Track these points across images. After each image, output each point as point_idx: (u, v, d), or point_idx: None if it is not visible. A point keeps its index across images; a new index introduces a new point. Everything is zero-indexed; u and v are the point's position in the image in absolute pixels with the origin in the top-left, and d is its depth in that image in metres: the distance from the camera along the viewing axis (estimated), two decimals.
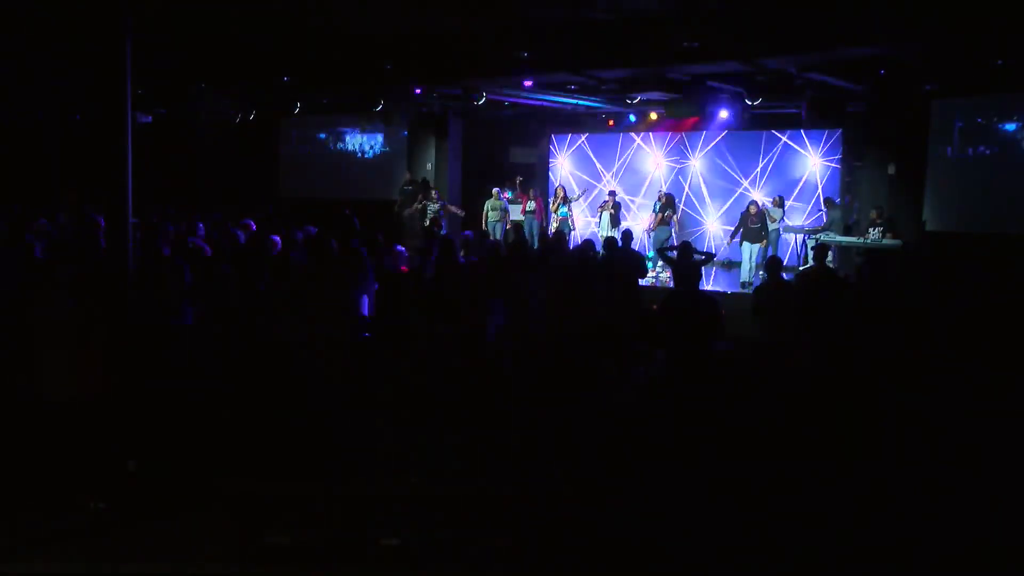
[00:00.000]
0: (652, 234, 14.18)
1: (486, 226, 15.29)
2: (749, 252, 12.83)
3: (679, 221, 14.73)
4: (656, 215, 14.08)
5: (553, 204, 15.14)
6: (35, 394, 5.52)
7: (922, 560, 4.67)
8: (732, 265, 14.88)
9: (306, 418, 6.11)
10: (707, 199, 15.77)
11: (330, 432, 6.04)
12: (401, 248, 8.72)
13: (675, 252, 9.07)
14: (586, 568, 4.69)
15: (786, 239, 14.05)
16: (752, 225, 12.82)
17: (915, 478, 5.49)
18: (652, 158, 16.31)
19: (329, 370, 6.58)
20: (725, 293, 11.66)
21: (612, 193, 14.84)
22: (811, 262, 12.93)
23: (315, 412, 6.20)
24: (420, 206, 15.27)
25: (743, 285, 12.53)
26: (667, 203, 14.08)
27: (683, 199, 15.69)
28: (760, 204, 13.15)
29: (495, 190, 15.51)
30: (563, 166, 17.15)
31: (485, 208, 15.45)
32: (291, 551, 4.80)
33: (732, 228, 14.03)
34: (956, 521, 5.00)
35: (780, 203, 13.54)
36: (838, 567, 4.68)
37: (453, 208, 15.63)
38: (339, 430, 6.09)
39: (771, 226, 13.36)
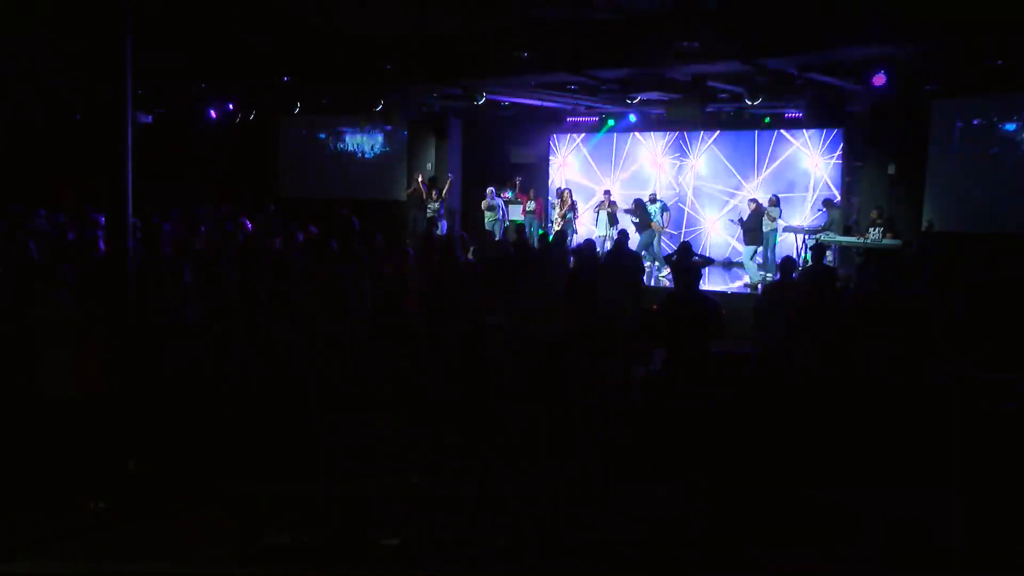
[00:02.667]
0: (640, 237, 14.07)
1: (487, 227, 15.32)
2: (749, 253, 12.77)
3: (668, 222, 14.61)
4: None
5: (560, 209, 15.04)
6: (36, 393, 5.53)
7: (923, 560, 4.67)
8: (731, 265, 14.89)
9: (306, 418, 6.11)
10: (705, 199, 15.76)
11: (330, 432, 6.04)
12: (410, 250, 8.71)
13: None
14: (586, 568, 4.69)
15: (786, 239, 14.05)
16: (749, 226, 12.76)
17: (915, 477, 5.49)
18: (651, 158, 16.30)
19: (329, 370, 6.58)
20: (725, 293, 11.66)
21: (607, 192, 14.81)
22: (809, 261, 13.01)
23: (315, 412, 6.20)
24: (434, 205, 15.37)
25: (750, 287, 12.46)
26: (636, 209, 14.03)
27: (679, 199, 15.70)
28: (758, 203, 13.09)
29: (489, 190, 15.54)
30: (565, 166, 17.14)
31: (484, 208, 15.50)
32: (291, 551, 4.80)
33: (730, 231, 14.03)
34: (956, 521, 4.99)
35: (776, 202, 13.54)
36: (839, 566, 4.68)
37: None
38: (339, 430, 6.09)
39: (769, 226, 13.34)
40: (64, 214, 11.94)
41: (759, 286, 12.08)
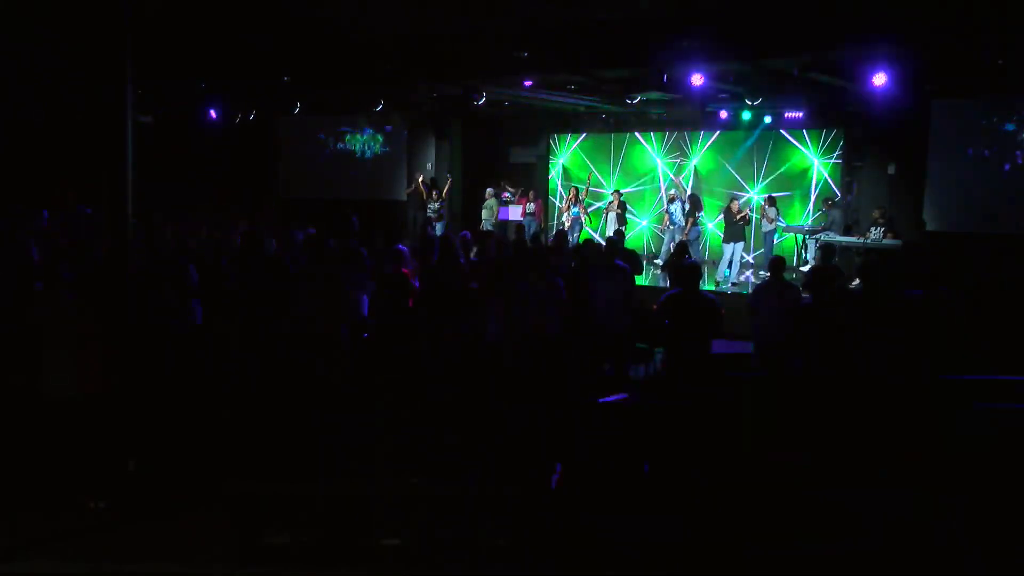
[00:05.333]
0: (688, 236, 13.94)
1: (482, 226, 15.34)
2: (732, 251, 12.67)
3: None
4: (688, 218, 13.98)
5: (564, 204, 15.12)
6: (36, 393, 5.53)
7: (923, 560, 4.67)
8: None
9: (306, 418, 6.11)
10: (705, 200, 15.76)
11: (330, 432, 6.04)
12: (404, 248, 8.70)
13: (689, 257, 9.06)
14: (586, 568, 4.69)
15: (785, 239, 14.06)
16: (734, 223, 12.74)
17: (915, 477, 5.49)
18: (651, 158, 16.31)
19: (329, 370, 6.58)
20: (725, 293, 11.65)
21: (617, 192, 14.81)
22: (809, 261, 13.02)
23: (315, 412, 6.20)
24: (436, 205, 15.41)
25: (717, 283, 12.38)
26: (693, 204, 14.03)
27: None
28: (741, 201, 13.02)
29: (488, 191, 15.59)
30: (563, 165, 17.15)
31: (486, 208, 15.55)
32: (291, 551, 4.80)
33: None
34: (956, 521, 4.99)
35: (773, 202, 13.54)
36: (839, 566, 4.68)
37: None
38: (339, 430, 6.09)
39: (768, 226, 13.33)
40: (63, 214, 11.95)
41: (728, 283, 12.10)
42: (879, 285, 7.57)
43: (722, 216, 13.24)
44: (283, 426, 6.01)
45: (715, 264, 15.03)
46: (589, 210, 15.58)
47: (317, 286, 7.00)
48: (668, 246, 14.20)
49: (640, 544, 4.86)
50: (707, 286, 12.19)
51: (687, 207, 13.90)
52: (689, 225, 13.76)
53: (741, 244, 12.72)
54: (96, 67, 6.10)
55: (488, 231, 14.60)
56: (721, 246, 13.15)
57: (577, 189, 15.22)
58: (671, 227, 14.19)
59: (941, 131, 12.81)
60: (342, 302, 7.08)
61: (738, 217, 12.67)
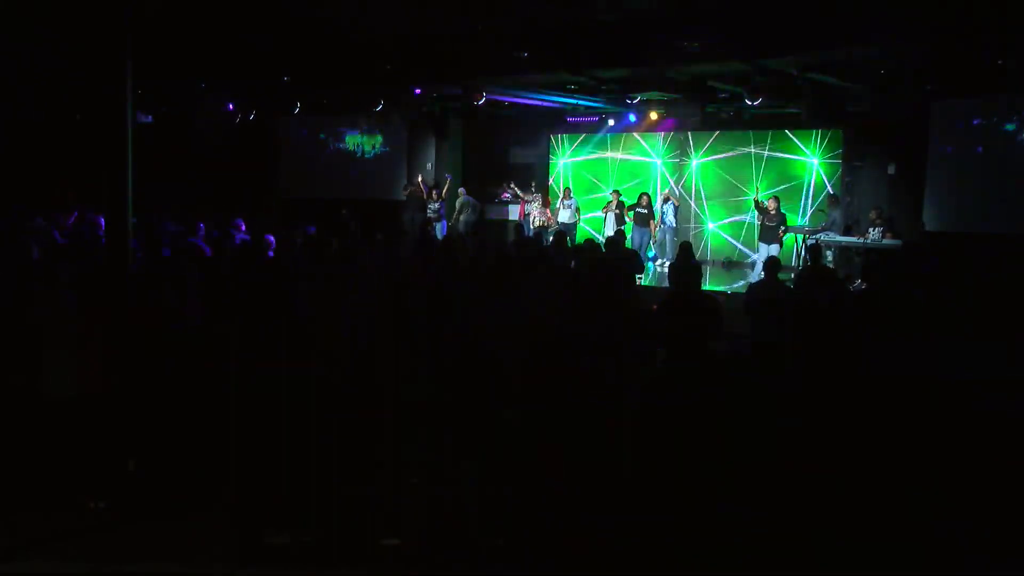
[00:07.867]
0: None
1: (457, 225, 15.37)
2: (767, 252, 12.51)
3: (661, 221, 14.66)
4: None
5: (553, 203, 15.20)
6: (36, 393, 5.52)
7: (922, 559, 4.67)
8: (732, 265, 14.90)
9: (306, 418, 6.10)
10: (704, 200, 15.77)
11: (330, 432, 6.03)
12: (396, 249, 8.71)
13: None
14: (586, 568, 4.69)
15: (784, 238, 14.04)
16: (769, 223, 12.65)
17: (913, 478, 5.49)
18: (651, 158, 16.32)
19: (329, 370, 6.57)
20: (725, 293, 11.66)
21: (616, 192, 14.82)
22: (809, 261, 12.99)
23: (315, 412, 6.19)
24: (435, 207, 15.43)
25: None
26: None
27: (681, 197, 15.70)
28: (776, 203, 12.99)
29: (460, 190, 15.61)
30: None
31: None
32: (291, 551, 4.80)
33: (733, 230, 13.99)
34: (956, 521, 5.00)
35: (776, 202, 13.53)
36: (839, 567, 4.68)
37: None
38: (339, 430, 6.08)
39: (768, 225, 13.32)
40: (66, 214, 11.93)
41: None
42: (879, 285, 7.59)
43: (759, 216, 13.18)
44: (283, 426, 6.01)
45: (714, 264, 15.09)
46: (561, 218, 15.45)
47: (317, 286, 7.01)
48: (669, 246, 14.22)
49: (640, 545, 4.86)
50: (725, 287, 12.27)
51: (676, 208, 14.04)
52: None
53: (776, 247, 12.56)
54: (96, 67, 6.10)
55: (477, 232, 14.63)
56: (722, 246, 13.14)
57: (559, 190, 15.38)
58: (662, 226, 14.21)
59: (941, 131, 12.80)
60: (342, 302, 7.08)
61: (771, 217, 12.59)
